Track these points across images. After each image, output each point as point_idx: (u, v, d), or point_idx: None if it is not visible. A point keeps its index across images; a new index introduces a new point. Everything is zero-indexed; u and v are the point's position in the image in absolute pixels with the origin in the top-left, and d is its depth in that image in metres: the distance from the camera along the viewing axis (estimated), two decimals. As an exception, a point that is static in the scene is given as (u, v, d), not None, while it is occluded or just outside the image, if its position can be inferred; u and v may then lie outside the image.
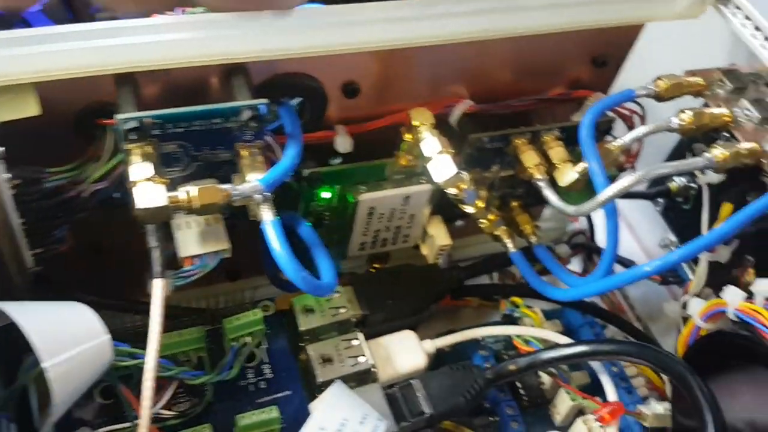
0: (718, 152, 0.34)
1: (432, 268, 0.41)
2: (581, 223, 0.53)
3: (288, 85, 0.34)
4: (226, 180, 0.31)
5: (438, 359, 0.39)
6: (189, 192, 0.28)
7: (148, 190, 0.28)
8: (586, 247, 0.51)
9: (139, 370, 0.28)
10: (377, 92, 0.36)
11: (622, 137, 0.36)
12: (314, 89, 0.34)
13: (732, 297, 0.31)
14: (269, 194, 0.30)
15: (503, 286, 0.43)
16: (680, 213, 0.48)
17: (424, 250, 0.43)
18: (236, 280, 0.44)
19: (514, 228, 0.42)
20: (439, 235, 0.41)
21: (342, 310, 0.37)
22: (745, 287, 0.34)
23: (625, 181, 0.32)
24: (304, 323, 0.36)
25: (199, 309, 0.36)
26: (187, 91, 0.32)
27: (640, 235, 0.53)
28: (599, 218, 0.53)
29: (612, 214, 0.35)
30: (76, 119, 0.31)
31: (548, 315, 0.44)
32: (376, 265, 0.44)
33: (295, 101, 0.34)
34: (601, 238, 0.51)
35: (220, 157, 0.32)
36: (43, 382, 0.25)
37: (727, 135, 0.36)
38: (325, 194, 0.37)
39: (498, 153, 0.39)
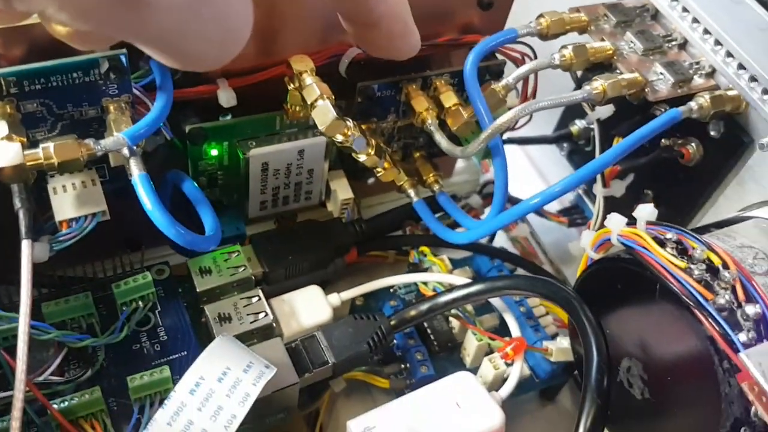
0: (598, 84, 0.34)
1: (333, 222, 0.40)
2: (492, 174, 0.54)
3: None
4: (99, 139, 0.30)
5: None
6: (46, 148, 0.27)
7: (3, 149, 0.26)
8: (498, 196, 0.52)
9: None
10: (259, 43, 0.35)
11: (506, 78, 0.36)
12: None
13: (615, 224, 0.31)
14: (136, 148, 0.29)
15: (411, 236, 0.43)
16: (583, 155, 0.49)
17: (330, 207, 0.43)
18: (137, 250, 0.42)
19: (419, 179, 0.42)
20: (340, 189, 0.41)
21: (241, 269, 0.37)
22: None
23: (504, 117, 0.33)
24: (201, 284, 0.35)
25: (87, 277, 0.35)
26: (52, 49, 0.30)
27: (551, 181, 0.54)
28: (516, 165, 0.54)
29: (498, 152, 0.35)
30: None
31: (459, 263, 0.44)
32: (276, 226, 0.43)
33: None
34: (515, 188, 0.52)
35: (88, 114, 0.31)
36: None
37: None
38: (213, 151, 0.36)
39: (392, 101, 0.39)
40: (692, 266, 0.28)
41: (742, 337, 0.26)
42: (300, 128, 0.38)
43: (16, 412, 0.25)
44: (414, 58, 0.39)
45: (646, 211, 0.31)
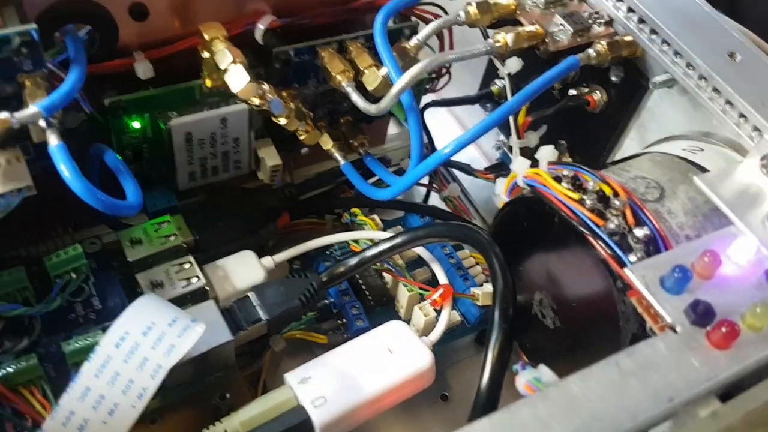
0: (500, 36, 0.36)
1: (262, 187, 0.42)
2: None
3: (71, 14, 0.33)
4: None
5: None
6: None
7: None
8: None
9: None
10: (172, 13, 0.36)
11: (415, 36, 0.37)
12: (100, 15, 0.34)
13: (519, 167, 0.33)
14: (52, 120, 0.30)
15: (341, 198, 0.45)
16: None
17: (261, 175, 0.44)
18: (75, 229, 0.43)
19: (345, 143, 0.44)
20: (268, 156, 0.42)
21: (171, 238, 0.38)
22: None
23: (412, 71, 0.34)
24: (132, 254, 0.36)
25: (17, 255, 0.36)
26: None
27: (479, 141, 0.56)
28: (440, 123, 0.56)
29: (411, 108, 0.36)
30: None
31: (391, 223, 0.46)
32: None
33: (83, 31, 0.34)
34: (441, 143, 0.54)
35: (5, 91, 0.31)
36: None
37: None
38: (135, 124, 0.37)
39: (311, 67, 0.40)
40: (585, 197, 0.30)
41: (632, 257, 0.29)
42: (222, 97, 0.39)
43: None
44: (330, 23, 0.41)
45: (546, 152, 0.34)
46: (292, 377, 0.35)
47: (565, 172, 0.31)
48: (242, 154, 0.42)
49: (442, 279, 0.40)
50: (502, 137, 0.51)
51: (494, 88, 0.49)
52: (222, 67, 0.34)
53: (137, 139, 0.38)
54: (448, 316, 0.39)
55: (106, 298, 0.35)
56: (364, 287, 0.42)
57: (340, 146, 0.43)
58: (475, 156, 0.56)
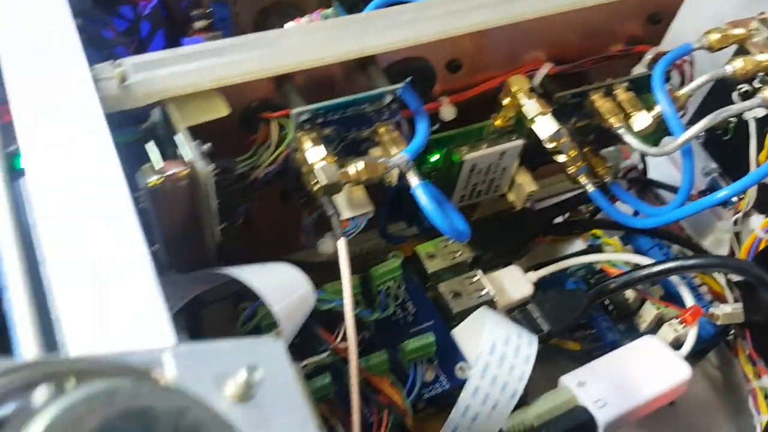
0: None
1: (527, 211, 0.48)
2: (633, 159, 0.60)
3: (405, 68, 0.40)
4: (363, 155, 0.38)
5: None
6: (356, 167, 0.35)
7: (325, 169, 0.34)
8: (639, 181, 0.58)
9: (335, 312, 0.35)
10: (474, 65, 0.42)
11: (687, 86, 0.42)
12: (427, 70, 0.40)
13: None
14: (412, 162, 0.36)
15: (583, 221, 0.50)
16: (720, 143, 0.54)
17: (511, 197, 0.50)
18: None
19: (590, 171, 0.49)
20: (526, 183, 0.48)
21: (458, 254, 0.44)
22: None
23: (701, 123, 0.39)
24: (431, 266, 0.43)
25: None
26: (329, 83, 0.38)
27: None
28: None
29: (688, 153, 0.41)
30: (241, 116, 0.37)
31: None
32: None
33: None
34: (652, 172, 0.58)
35: (362, 135, 0.38)
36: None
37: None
38: (434, 158, 0.44)
39: (576, 107, 0.45)
40: None
41: None
42: (499, 134, 0.45)
43: (354, 379, 0.33)
44: (590, 69, 0.46)
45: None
46: (568, 380, 0.41)
47: None
48: (503, 180, 0.48)
49: (689, 300, 0.45)
50: (712, 164, 0.55)
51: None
52: (529, 116, 0.40)
53: (430, 169, 0.45)
54: (696, 333, 0.44)
55: (416, 303, 0.42)
56: (607, 303, 0.47)
57: (587, 174, 0.48)
58: (677, 178, 0.60)
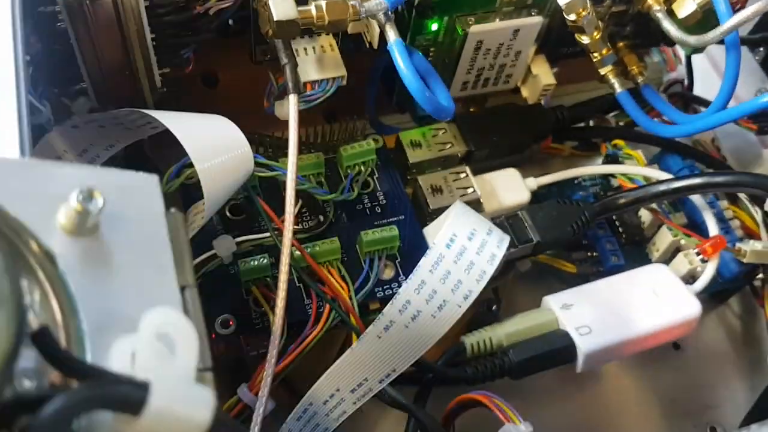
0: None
1: (536, 107, 0.41)
2: (678, 73, 0.52)
3: None
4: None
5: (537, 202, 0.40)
6: (318, 6, 0.28)
7: (280, 3, 0.28)
8: (683, 96, 0.50)
9: (275, 182, 0.29)
10: None
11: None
12: None
13: None
14: (392, 14, 0.30)
15: (606, 128, 0.43)
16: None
17: (525, 92, 0.43)
18: (333, 122, 0.44)
19: (621, 69, 0.41)
20: (543, 74, 0.41)
21: (448, 146, 0.38)
22: None
23: (749, 10, 0.31)
24: (412, 156, 0.37)
25: (315, 142, 0.37)
26: None
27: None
28: (697, 68, 0.52)
29: (734, 46, 0.33)
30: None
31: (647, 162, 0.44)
32: (472, 109, 0.44)
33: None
34: (698, 89, 0.50)
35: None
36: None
37: None
38: (434, 26, 0.37)
39: (612, -16, 0.37)
40: None
41: None
42: (516, 7, 0.38)
43: (285, 258, 0.27)
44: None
45: None
46: (553, 301, 0.35)
47: None
48: (517, 69, 0.41)
49: (713, 229, 0.38)
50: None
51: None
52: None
53: (428, 41, 0.38)
54: (715, 268, 0.37)
55: (389, 194, 0.36)
56: (618, 223, 0.41)
57: (616, 72, 0.40)
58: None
